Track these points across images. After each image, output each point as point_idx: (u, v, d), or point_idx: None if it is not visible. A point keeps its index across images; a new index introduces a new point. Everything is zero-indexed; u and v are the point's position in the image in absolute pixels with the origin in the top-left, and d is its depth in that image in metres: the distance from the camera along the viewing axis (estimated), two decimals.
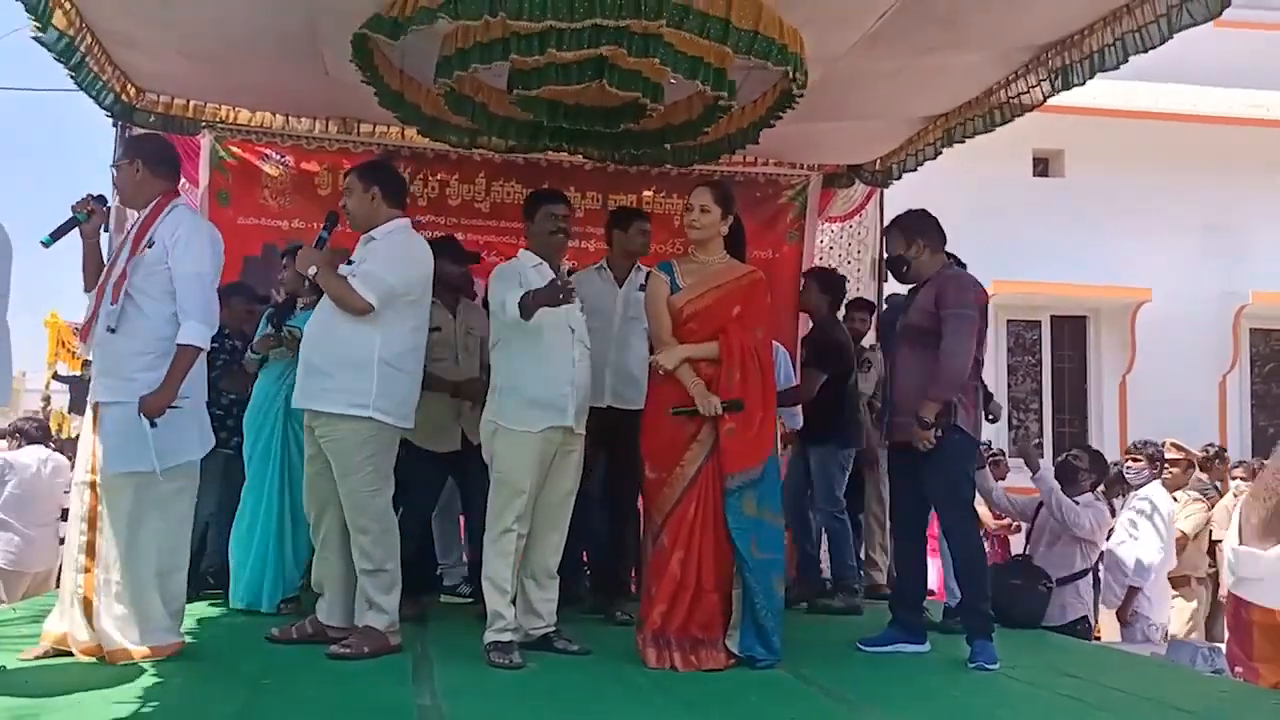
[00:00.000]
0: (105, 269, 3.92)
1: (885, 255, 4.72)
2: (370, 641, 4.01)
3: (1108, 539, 6.75)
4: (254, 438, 5.11)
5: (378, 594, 4.06)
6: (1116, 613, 6.70)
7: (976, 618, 4.39)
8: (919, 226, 4.61)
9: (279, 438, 5.06)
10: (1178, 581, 6.93)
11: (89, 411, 3.88)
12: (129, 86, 5.97)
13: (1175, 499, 7.00)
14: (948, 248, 4.66)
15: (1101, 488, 6.92)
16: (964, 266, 4.75)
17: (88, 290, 3.96)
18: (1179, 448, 7.22)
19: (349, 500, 4.07)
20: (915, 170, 6.72)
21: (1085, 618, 5.95)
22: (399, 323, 4.08)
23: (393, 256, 4.11)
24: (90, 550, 3.77)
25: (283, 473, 5.04)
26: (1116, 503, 7.15)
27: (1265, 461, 7.39)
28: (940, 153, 6.34)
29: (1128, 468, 7.02)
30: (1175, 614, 6.90)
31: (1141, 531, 6.58)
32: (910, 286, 4.70)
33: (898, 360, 4.64)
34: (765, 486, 4.15)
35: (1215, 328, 10.75)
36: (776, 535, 4.25)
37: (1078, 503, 6.07)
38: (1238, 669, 5.60)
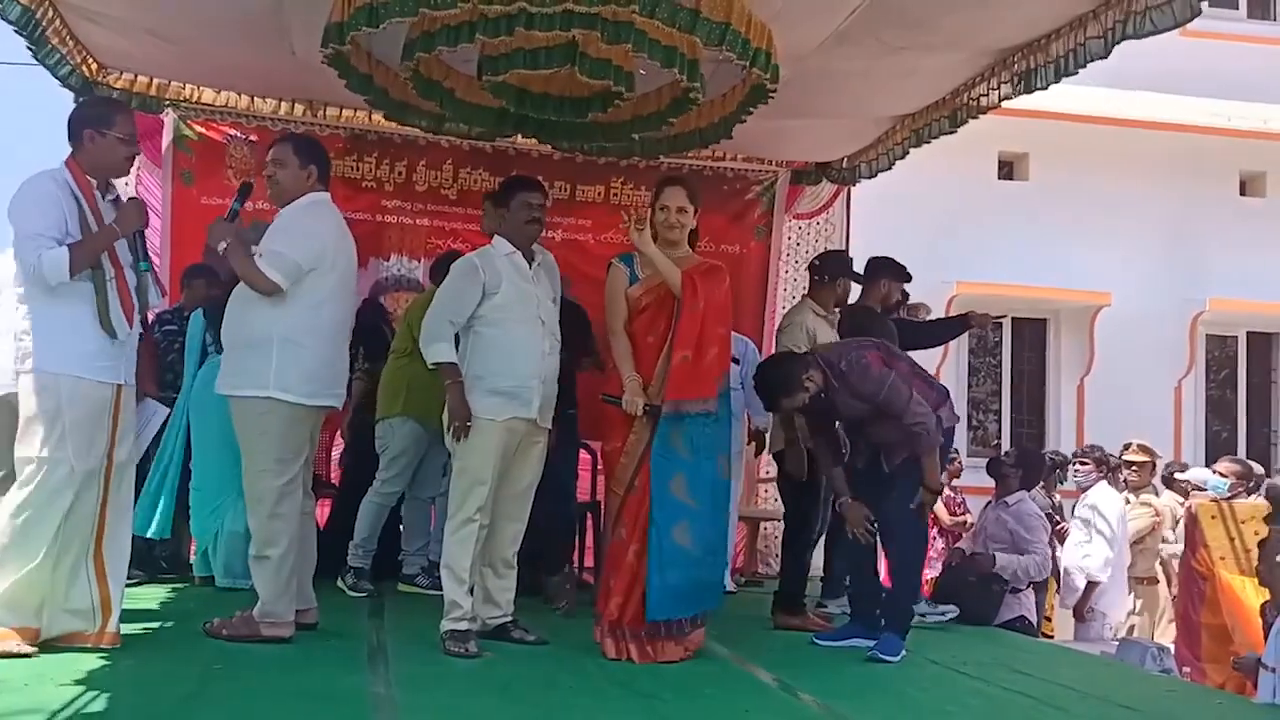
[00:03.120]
0: (109, 253, 3.70)
1: (803, 405, 4.52)
2: (236, 626, 3.95)
3: (1061, 542, 6.85)
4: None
5: (258, 579, 3.97)
6: (1074, 609, 6.78)
7: (899, 613, 4.46)
8: (806, 364, 4.46)
9: None
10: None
11: (74, 387, 3.62)
12: (90, 61, 5.88)
13: (1128, 500, 7.10)
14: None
15: (1041, 486, 7.02)
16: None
17: (77, 273, 3.59)
18: (1144, 449, 7.30)
19: (244, 478, 4.03)
20: (888, 169, 6.75)
21: (1023, 616, 6.01)
22: (301, 297, 3.93)
23: (293, 231, 3.99)
24: (99, 540, 3.68)
25: None
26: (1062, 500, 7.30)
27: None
28: (908, 153, 6.37)
29: (1075, 470, 7.16)
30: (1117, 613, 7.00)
31: (1098, 527, 6.71)
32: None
33: (869, 433, 4.61)
34: (721, 431, 4.19)
35: (1173, 333, 10.88)
36: (714, 488, 4.21)
37: (1007, 503, 6.13)
38: (1186, 669, 5.72)
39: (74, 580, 3.63)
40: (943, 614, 5.29)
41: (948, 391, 4.80)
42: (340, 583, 5.25)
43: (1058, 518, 7.16)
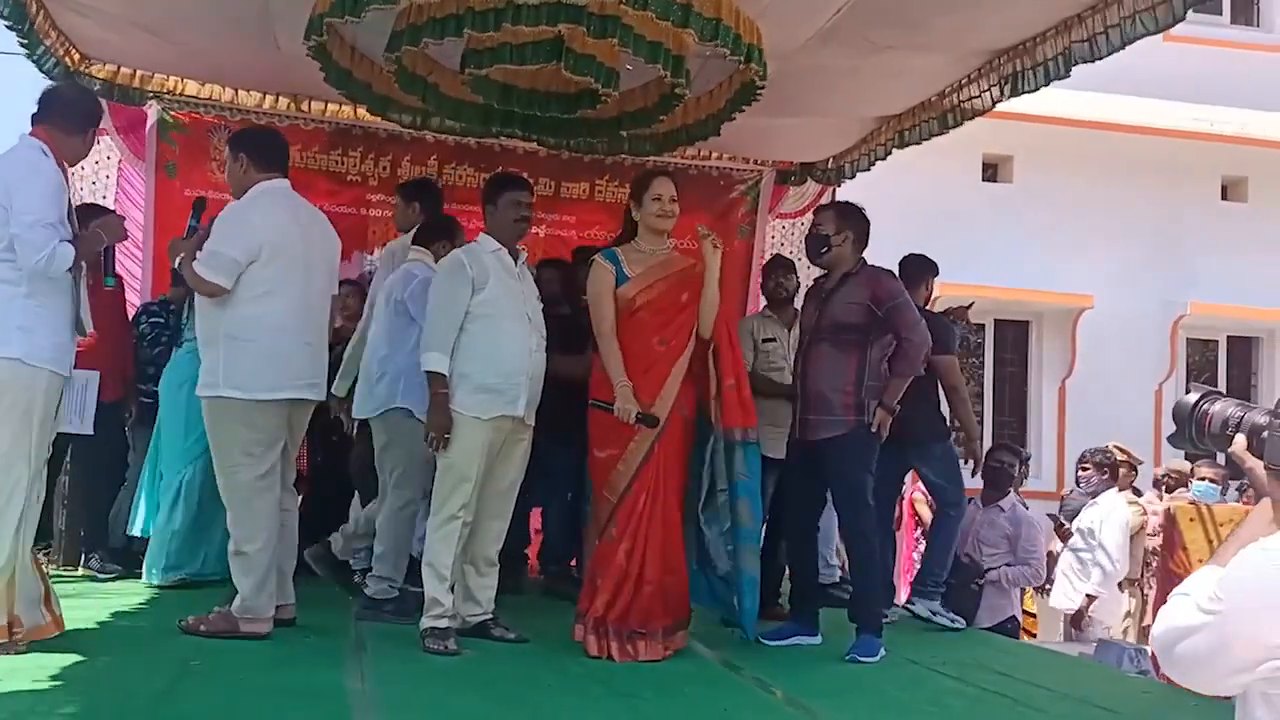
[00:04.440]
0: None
1: (810, 231, 4.72)
2: (213, 623, 3.92)
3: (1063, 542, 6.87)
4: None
5: (237, 575, 3.94)
6: (1072, 619, 6.78)
7: (868, 614, 4.43)
8: (853, 217, 4.64)
9: None
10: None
11: (49, 382, 3.58)
12: (72, 52, 5.84)
13: None
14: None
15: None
16: None
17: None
18: (1122, 450, 7.34)
19: (218, 477, 4.03)
20: (867, 170, 6.76)
21: (1013, 617, 6.03)
22: (240, 292, 3.89)
23: (227, 228, 3.95)
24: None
25: None
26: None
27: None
28: (890, 153, 6.39)
29: (1079, 476, 7.16)
30: (1109, 615, 7.03)
31: (1102, 539, 6.73)
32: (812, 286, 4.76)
33: (812, 357, 4.55)
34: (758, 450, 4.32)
35: (1154, 336, 10.95)
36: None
37: (1001, 507, 6.12)
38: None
39: (27, 573, 3.58)
40: (952, 620, 5.28)
41: None
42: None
43: (1060, 520, 7.17)
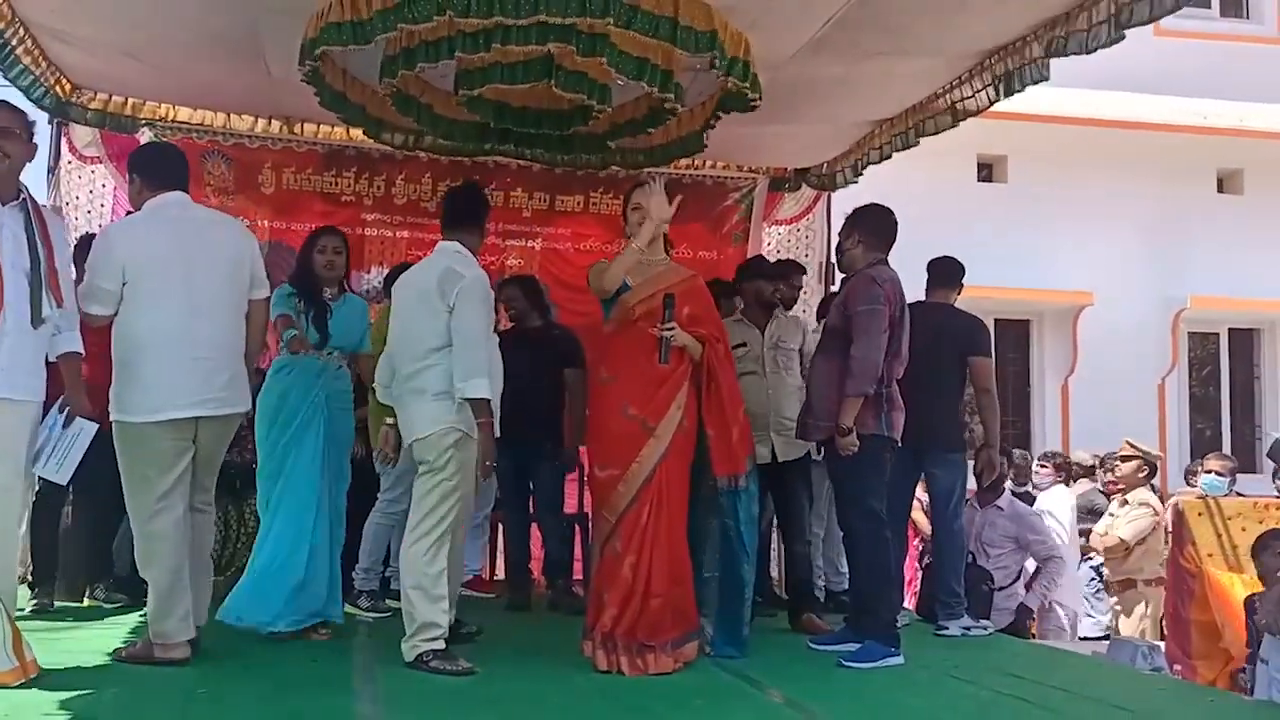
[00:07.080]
0: None
1: (843, 247, 4.70)
2: (135, 650, 3.87)
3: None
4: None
5: (149, 600, 3.85)
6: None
7: (869, 621, 4.39)
8: (862, 218, 4.62)
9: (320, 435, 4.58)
10: (1122, 585, 7.02)
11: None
12: (63, 82, 5.85)
13: (1127, 501, 7.06)
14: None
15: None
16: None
17: None
18: (1133, 446, 7.26)
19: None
20: (862, 174, 6.76)
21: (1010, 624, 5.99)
22: (123, 314, 3.78)
23: (92, 256, 3.84)
24: None
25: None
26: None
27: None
28: (888, 157, 6.38)
29: (1036, 473, 7.35)
30: (1124, 617, 6.99)
31: (1053, 517, 6.90)
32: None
33: (815, 362, 4.65)
34: (750, 494, 4.30)
35: (1155, 331, 10.95)
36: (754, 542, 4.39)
37: (999, 507, 6.13)
38: (1176, 666, 5.72)
39: None
40: (985, 628, 5.27)
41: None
42: (352, 607, 5.12)
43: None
